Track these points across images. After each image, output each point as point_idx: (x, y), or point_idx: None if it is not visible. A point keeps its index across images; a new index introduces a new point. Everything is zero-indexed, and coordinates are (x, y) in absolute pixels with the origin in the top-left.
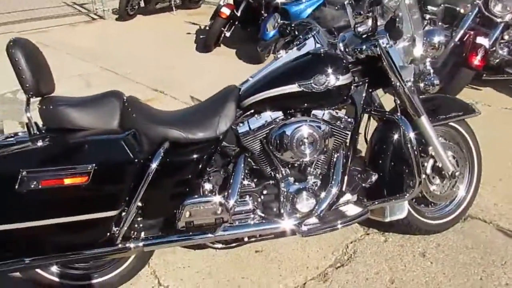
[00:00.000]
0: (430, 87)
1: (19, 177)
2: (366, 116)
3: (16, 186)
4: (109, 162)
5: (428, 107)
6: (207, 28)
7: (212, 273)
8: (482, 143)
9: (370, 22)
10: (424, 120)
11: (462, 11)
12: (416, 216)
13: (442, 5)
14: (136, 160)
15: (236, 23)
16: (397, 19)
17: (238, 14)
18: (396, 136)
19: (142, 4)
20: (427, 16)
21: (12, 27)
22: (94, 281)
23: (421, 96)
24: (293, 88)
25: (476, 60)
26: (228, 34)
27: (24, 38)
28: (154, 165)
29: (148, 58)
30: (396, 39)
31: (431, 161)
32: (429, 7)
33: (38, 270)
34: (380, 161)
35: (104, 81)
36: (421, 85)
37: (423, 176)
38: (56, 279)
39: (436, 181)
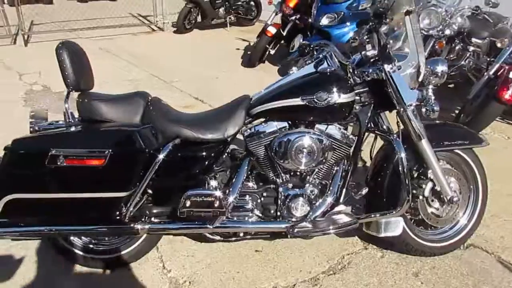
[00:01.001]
0: (431, 113)
1: (49, 154)
2: (373, 135)
3: (46, 162)
4: (123, 149)
5: (434, 132)
6: (253, 45)
7: (211, 265)
8: (500, 175)
9: (376, 47)
10: (424, 143)
11: (499, 45)
12: (412, 236)
13: (487, 38)
14: (146, 150)
15: (282, 42)
16: (388, 46)
17: (284, 33)
18: (396, 157)
19: (199, 19)
20: (471, 48)
21: (82, 33)
22: (106, 256)
23: (429, 122)
24: (297, 101)
25: (507, 95)
26: (272, 52)
27: (72, 41)
28: (161, 156)
29: (195, 69)
30: (385, 63)
31: (430, 184)
32: (474, 39)
33: (60, 240)
34: (378, 178)
35: (151, 87)
36: (423, 110)
37: (421, 197)
38: (73, 249)
39: (435, 204)
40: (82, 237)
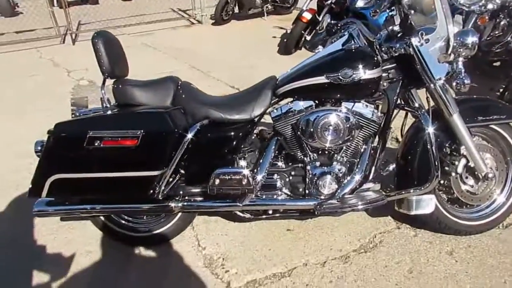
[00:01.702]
0: (461, 86)
1: (87, 136)
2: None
3: (85, 144)
4: (154, 130)
5: (468, 108)
6: (289, 32)
7: (244, 242)
8: None
9: (401, 20)
10: (456, 118)
11: None
12: (446, 215)
13: None
14: (175, 130)
15: (318, 27)
16: (410, 16)
17: (320, 18)
18: (425, 132)
19: (236, 10)
20: None
21: (125, 29)
22: (145, 234)
23: (462, 97)
24: (322, 79)
25: None
26: (308, 38)
27: (106, 31)
28: (189, 136)
29: (232, 58)
30: (410, 36)
31: (463, 161)
32: None
33: (103, 218)
34: (407, 155)
35: (189, 77)
36: (453, 84)
37: (454, 174)
38: (115, 227)
39: (470, 181)
40: (122, 216)
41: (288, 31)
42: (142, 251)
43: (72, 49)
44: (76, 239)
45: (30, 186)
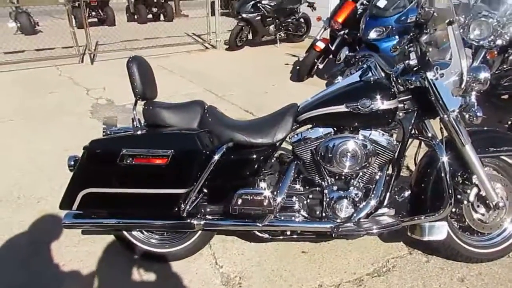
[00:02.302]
0: (474, 119)
1: (120, 154)
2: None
3: (117, 161)
4: (183, 150)
5: (480, 139)
6: (302, 60)
7: (260, 263)
8: None
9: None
10: (468, 149)
11: None
12: (458, 242)
13: None
14: (203, 151)
15: (330, 56)
16: (428, 53)
17: (333, 48)
18: (439, 161)
19: (250, 36)
20: None
21: (141, 52)
22: (165, 250)
23: (474, 128)
24: (341, 108)
25: None
26: (321, 66)
27: (140, 56)
28: (216, 157)
29: (246, 83)
30: (426, 70)
31: (475, 190)
32: None
33: (125, 233)
34: (421, 182)
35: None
36: (466, 116)
37: (466, 202)
38: (136, 242)
39: (481, 210)
40: (144, 231)
41: (300, 59)
42: (161, 267)
43: (90, 68)
44: (97, 253)
45: (62, 198)
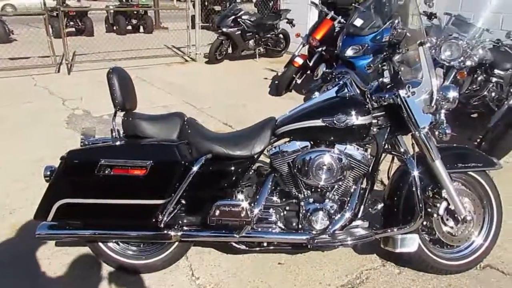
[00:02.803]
0: (443, 135)
1: (99, 164)
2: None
3: (96, 171)
4: (162, 161)
5: (449, 155)
6: (280, 75)
7: (237, 274)
8: None
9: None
10: (438, 164)
11: None
12: (428, 254)
13: (510, 70)
14: (182, 163)
15: (308, 72)
16: (400, 73)
17: (311, 64)
18: (410, 176)
19: (229, 50)
20: (494, 79)
21: (120, 63)
22: (141, 261)
23: (444, 145)
24: (318, 122)
25: None
26: (299, 82)
27: (120, 67)
28: (195, 169)
29: (225, 97)
30: (398, 88)
31: (444, 203)
32: (497, 71)
33: (101, 244)
34: (394, 196)
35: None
36: (436, 133)
37: (436, 216)
38: (112, 254)
39: (450, 223)
40: (120, 243)
41: (279, 74)
42: (137, 279)
43: (67, 78)
44: (71, 265)
45: (37, 209)
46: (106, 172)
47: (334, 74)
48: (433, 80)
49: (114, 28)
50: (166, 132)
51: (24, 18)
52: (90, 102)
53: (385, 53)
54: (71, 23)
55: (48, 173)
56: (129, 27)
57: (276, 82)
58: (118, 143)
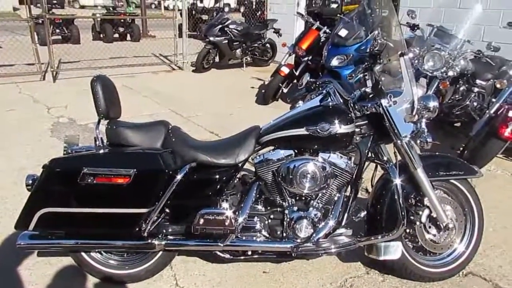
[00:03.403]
0: (424, 144)
1: (81, 173)
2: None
3: (78, 180)
4: (146, 169)
5: (431, 163)
6: (267, 84)
7: (222, 283)
8: (504, 209)
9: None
10: (420, 172)
11: (498, 86)
12: (411, 261)
13: (491, 80)
14: (166, 171)
15: (294, 81)
16: (380, 82)
17: (297, 73)
18: (393, 184)
19: (217, 59)
20: (475, 89)
21: (106, 71)
22: (124, 271)
23: (426, 153)
24: (302, 131)
25: (506, 132)
26: (285, 91)
27: (104, 75)
28: (179, 177)
29: (212, 105)
30: (380, 98)
31: (426, 211)
32: (478, 81)
33: (83, 254)
34: (377, 204)
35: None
36: (417, 141)
37: (418, 223)
38: (95, 264)
39: (432, 231)
40: (103, 252)
41: (266, 83)
42: None
43: (52, 86)
44: (52, 275)
45: (18, 218)
46: (89, 180)
47: (318, 83)
48: (414, 89)
49: (101, 36)
50: (150, 141)
51: (9, 25)
52: (75, 110)
53: (366, 63)
54: (57, 30)
55: (30, 182)
56: (116, 35)
57: (263, 91)
58: (101, 151)
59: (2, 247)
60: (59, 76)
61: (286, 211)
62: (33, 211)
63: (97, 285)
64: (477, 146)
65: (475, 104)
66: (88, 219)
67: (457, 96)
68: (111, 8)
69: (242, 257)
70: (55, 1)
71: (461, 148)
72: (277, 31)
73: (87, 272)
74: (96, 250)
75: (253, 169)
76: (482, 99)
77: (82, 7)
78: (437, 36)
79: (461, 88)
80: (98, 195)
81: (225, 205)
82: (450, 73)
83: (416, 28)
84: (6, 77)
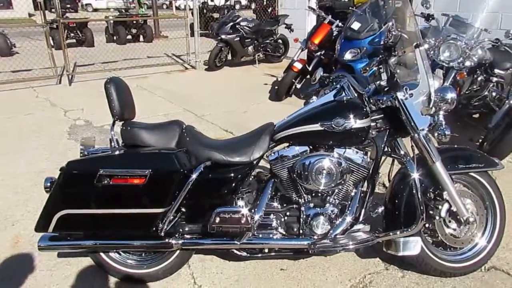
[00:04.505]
0: (442, 137)
1: (98, 174)
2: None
3: (95, 181)
4: (161, 169)
5: (450, 156)
6: (280, 80)
7: (239, 281)
8: None
9: (388, 77)
10: (438, 166)
11: None
12: (431, 257)
13: (510, 69)
14: (181, 171)
15: (307, 76)
16: (396, 74)
17: (310, 68)
18: (410, 178)
19: (229, 57)
20: (494, 79)
21: (120, 72)
22: (143, 270)
23: (444, 146)
24: (316, 127)
25: None
26: (299, 86)
27: (118, 77)
28: (194, 176)
29: (226, 103)
30: (395, 91)
31: (446, 205)
32: (497, 70)
33: (102, 255)
34: (395, 199)
35: (184, 121)
36: (435, 134)
37: (438, 218)
38: (113, 264)
39: (453, 225)
40: (121, 252)
41: (279, 79)
42: None
43: (68, 89)
44: (73, 276)
45: (37, 220)
46: (105, 182)
47: (331, 78)
48: (430, 81)
49: (114, 38)
50: (164, 141)
51: (26, 31)
52: (91, 112)
53: (380, 56)
54: (72, 34)
55: (48, 184)
56: (129, 37)
57: (276, 87)
58: (117, 152)
59: (25, 249)
60: (75, 79)
61: (303, 208)
62: (52, 214)
63: (115, 285)
64: (496, 137)
65: (494, 94)
66: (106, 220)
67: (475, 87)
68: (123, 10)
69: (259, 255)
70: (68, 6)
71: (480, 140)
72: (288, 27)
73: (106, 272)
74: (114, 250)
75: (268, 167)
76: (501, 89)
77: (95, 10)
78: (452, 26)
79: (479, 78)
80: (114, 196)
81: (240, 203)
82: (467, 63)
83: (431, 18)
84: (23, 82)
